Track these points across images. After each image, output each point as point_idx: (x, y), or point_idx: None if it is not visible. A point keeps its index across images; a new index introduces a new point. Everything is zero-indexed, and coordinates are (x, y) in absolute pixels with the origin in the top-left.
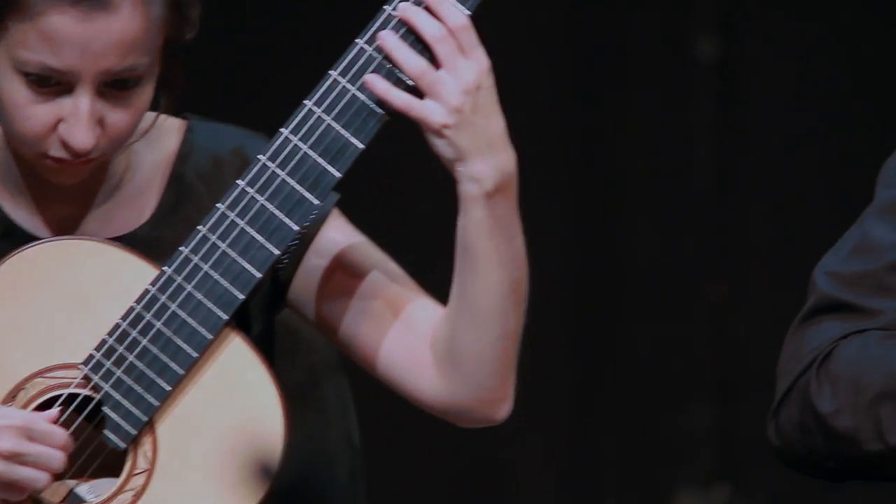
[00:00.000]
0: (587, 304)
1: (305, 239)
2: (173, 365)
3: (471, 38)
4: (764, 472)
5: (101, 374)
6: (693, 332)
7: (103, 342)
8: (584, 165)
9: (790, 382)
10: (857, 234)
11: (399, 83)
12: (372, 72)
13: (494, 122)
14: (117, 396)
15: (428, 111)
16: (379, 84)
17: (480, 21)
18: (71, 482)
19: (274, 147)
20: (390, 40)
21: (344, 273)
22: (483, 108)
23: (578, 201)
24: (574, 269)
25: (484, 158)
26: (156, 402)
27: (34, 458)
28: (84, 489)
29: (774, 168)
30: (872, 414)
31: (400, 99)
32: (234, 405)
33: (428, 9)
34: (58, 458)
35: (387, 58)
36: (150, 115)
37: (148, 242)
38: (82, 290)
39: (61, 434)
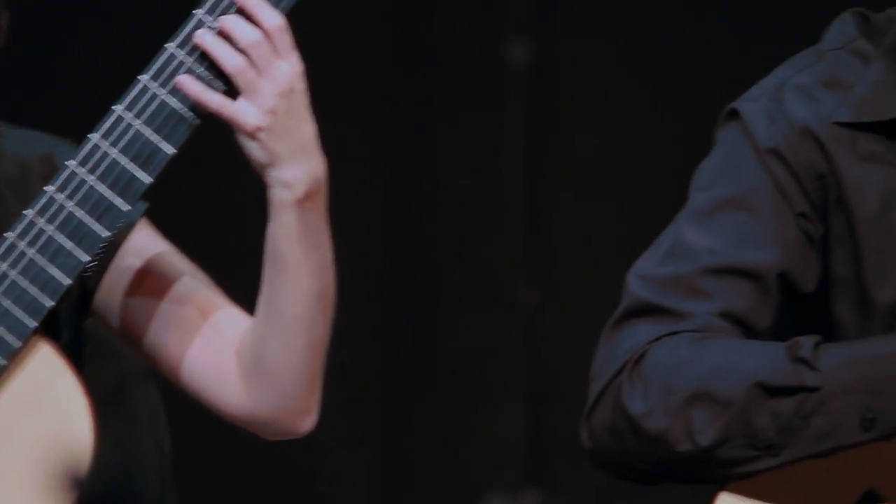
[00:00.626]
0: (397, 310)
1: (113, 246)
2: None
3: (285, 40)
4: (575, 477)
5: None
6: (504, 336)
7: None
8: (395, 170)
9: (603, 385)
10: (670, 237)
11: (211, 87)
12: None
13: (306, 127)
14: None
15: (242, 113)
16: (192, 85)
17: (291, 24)
18: None
19: (83, 153)
20: (207, 38)
21: (150, 281)
22: (296, 112)
23: (388, 206)
24: (384, 273)
25: (296, 163)
26: None
27: None
28: None
29: (584, 171)
30: (683, 415)
31: (213, 101)
32: (42, 414)
33: (242, 11)
34: None
35: (202, 58)
36: None
37: None
38: None
39: None
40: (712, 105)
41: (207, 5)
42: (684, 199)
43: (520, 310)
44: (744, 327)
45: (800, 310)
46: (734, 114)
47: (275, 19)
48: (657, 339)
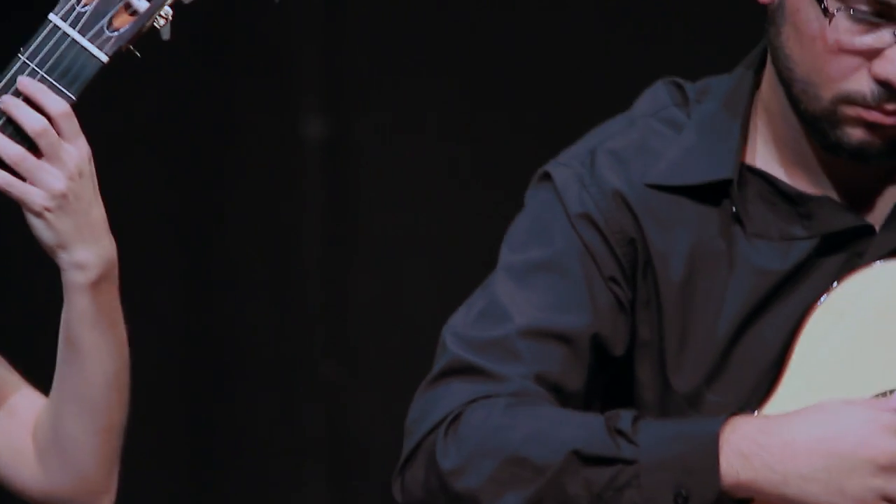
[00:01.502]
0: (196, 386)
1: None
2: None
3: (73, 125)
4: None
5: None
6: (305, 409)
7: None
8: (193, 246)
9: (417, 441)
10: (485, 297)
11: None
12: None
13: (96, 210)
14: None
15: (29, 193)
16: None
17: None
18: None
19: None
20: None
21: None
22: (85, 195)
23: (186, 283)
24: (181, 354)
25: (87, 246)
26: None
27: None
28: None
29: (383, 244)
30: (495, 478)
31: (1, 180)
32: None
33: (28, 99)
34: None
35: None
36: None
37: None
38: None
39: None
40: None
41: None
42: (484, 273)
43: (321, 383)
44: (557, 391)
45: (609, 373)
46: (546, 176)
47: (59, 106)
48: (473, 401)
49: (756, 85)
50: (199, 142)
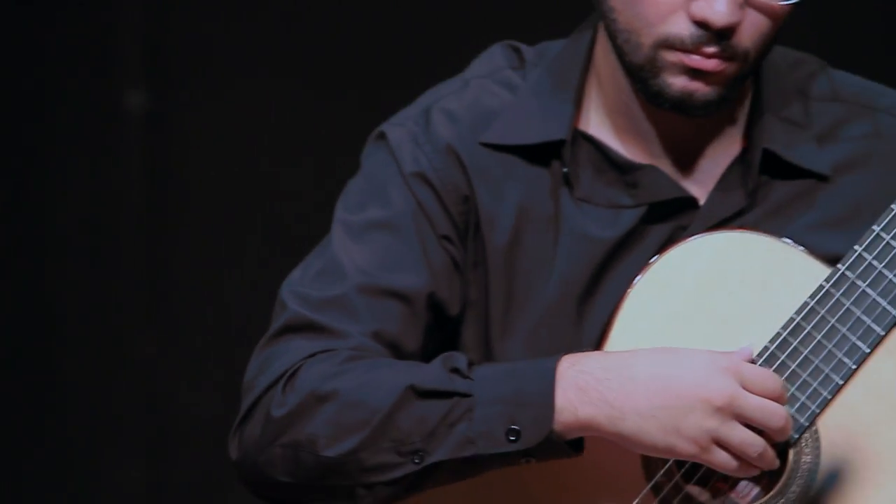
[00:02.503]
0: (12, 357)
1: None
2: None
3: None
4: None
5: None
6: (121, 388)
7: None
8: (12, 218)
9: (255, 398)
10: (323, 255)
11: None
12: None
13: None
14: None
15: None
16: None
17: None
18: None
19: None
20: None
21: None
22: None
23: (3, 254)
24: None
25: None
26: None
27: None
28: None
29: (203, 218)
30: (332, 420)
31: None
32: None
33: None
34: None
35: None
36: None
37: None
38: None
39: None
40: (325, 146)
41: None
42: (307, 243)
43: (137, 361)
44: (395, 349)
45: (447, 332)
46: (381, 136)
47: None
48: (312, 356)
49: (591, 49)
50: (19, 115)
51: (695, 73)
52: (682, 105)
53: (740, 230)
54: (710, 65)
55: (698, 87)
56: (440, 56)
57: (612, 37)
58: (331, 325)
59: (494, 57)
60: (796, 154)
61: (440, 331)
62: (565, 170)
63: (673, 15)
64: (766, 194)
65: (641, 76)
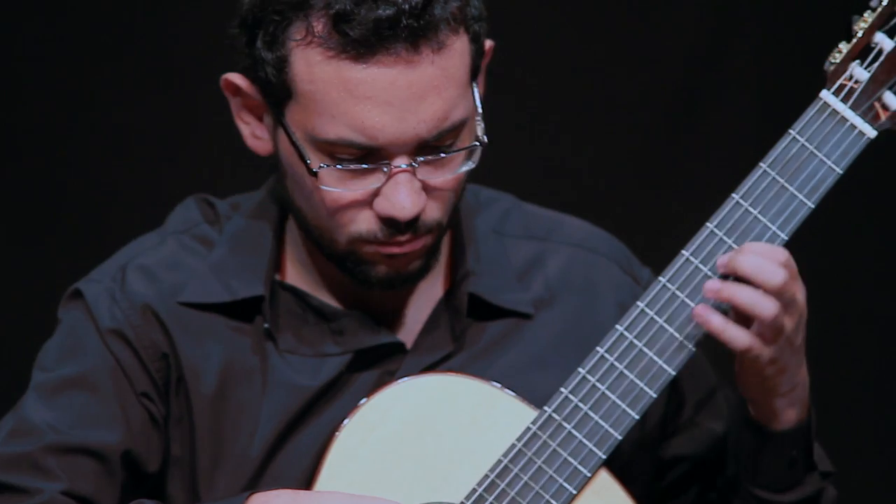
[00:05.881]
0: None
1: None
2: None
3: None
4: None
5: None
6: None
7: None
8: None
9: None
10: (14, 417)
11: None
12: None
13: None
14: None
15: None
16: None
17: None
18: None
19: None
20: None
21: None
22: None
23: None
24: None
25: None
26: None
27: None
28: None
29: None
30: None
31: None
32: None
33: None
34: None
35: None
36: None
37: None
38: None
39: None
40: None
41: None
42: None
43: None
44: None
45: (146, 489)
46: (77, 294)
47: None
48: None
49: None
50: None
51: (394, 257)
52: (391, 284)
53: (448, 374)
54: (407, 248)
55: (401, 267)
56: None
57: (305, 231)
58: (20, 484)
59: (189, 211)
60: (499, 296)
61: (139, 488)
62: (266, 325)
63: (360, 213)
64: (472, 336)
65: (344, 265)
